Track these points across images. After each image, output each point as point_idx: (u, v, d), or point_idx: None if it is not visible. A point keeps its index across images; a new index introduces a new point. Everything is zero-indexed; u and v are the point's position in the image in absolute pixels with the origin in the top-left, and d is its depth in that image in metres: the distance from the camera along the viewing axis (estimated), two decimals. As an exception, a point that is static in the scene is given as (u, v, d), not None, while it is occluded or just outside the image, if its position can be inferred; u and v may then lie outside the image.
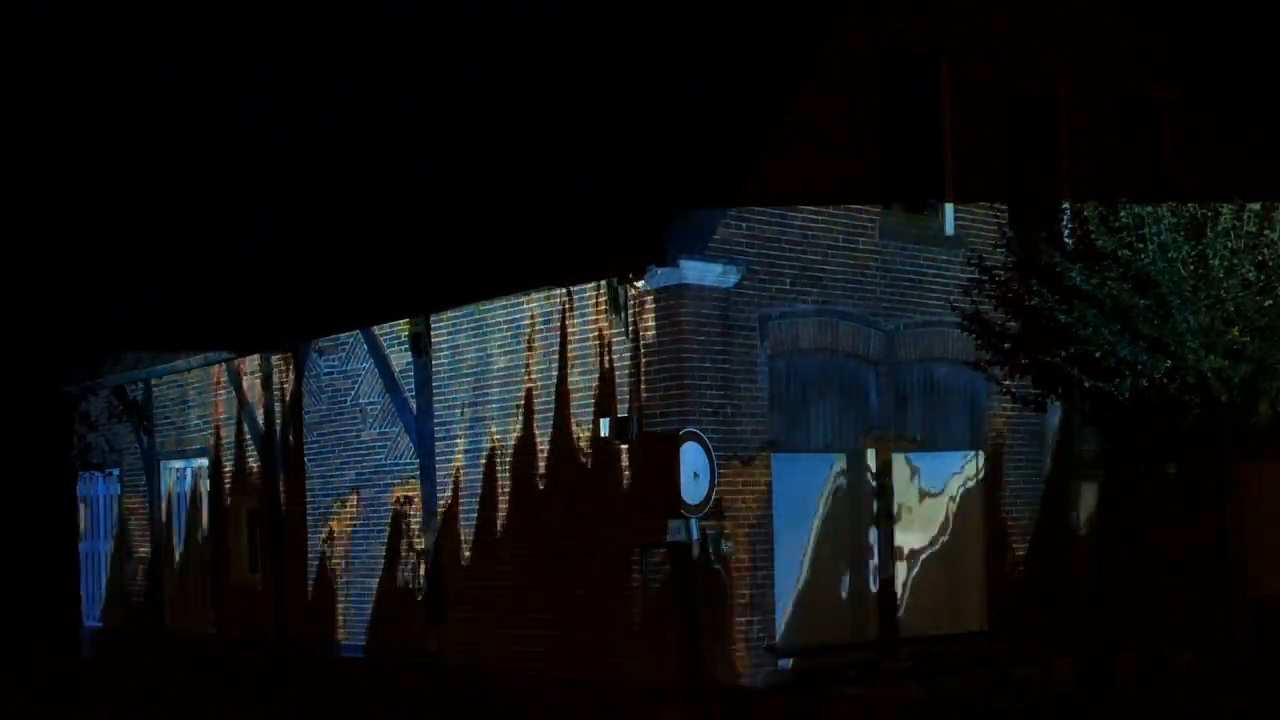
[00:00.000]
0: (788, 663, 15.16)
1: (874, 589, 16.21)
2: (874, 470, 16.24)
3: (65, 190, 23.07)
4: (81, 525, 25.99)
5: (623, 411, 15.07)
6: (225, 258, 22.15)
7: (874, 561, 16.22)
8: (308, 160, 21.69)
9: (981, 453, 17.18)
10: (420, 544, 17.65)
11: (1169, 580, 18.57)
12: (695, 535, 14.18)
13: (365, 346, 18.34)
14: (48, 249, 23.48)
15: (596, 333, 15.47)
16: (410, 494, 17.85)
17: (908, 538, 16.62)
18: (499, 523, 16.67)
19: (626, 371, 15.11)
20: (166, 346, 22.19)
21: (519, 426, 16.39)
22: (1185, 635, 18.23)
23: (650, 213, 14.77)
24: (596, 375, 15.47)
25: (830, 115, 15.80)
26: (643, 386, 14.95)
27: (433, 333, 17.51)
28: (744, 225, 15.22)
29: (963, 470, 17.12)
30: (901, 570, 16.47)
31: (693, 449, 14.15)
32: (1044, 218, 17.65)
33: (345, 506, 18.97)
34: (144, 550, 23.83)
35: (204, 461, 22.25)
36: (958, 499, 17.07)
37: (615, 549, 15.08)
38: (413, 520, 17.82)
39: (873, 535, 16.23)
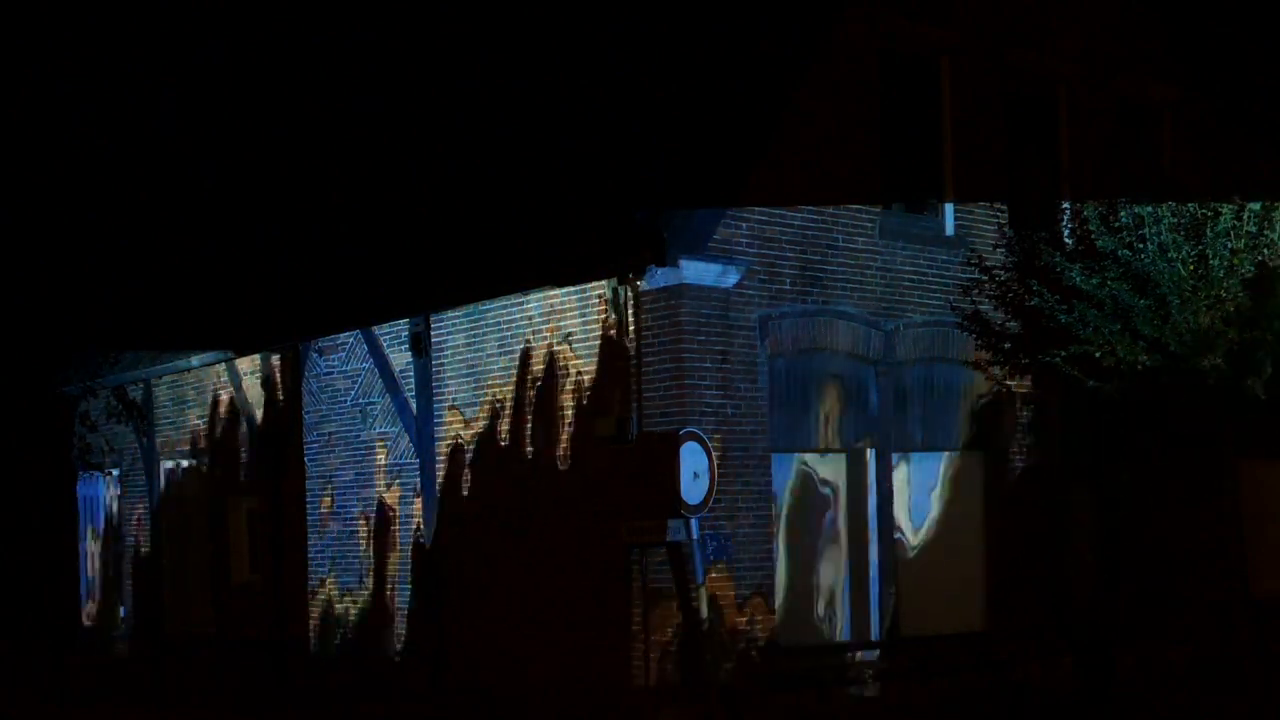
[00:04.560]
0: (787, 663, 15.15)
1: (874, 589, 16.21)
2: (874, 470, 16.24)
3: (65, 190, 23.04)
4: (81, 525, 25.99)
5: (622, 411, 15.06)
6: (225, 258, 22.14)
7: (874, 561, 16.21)
8: (308, 160, 21.67)
9: (981, 453, 17.17)
10: (420, 544, 17.65)
11: (1168, 579, 18.57)
12: (695, 535, 14.19)
13: (365, 346, 18.34)
14: (47, 249, 23.44)
15: (596, 333, 15.47)
16: (410, 494, 17.85)
17: (907, 538, 16.63)
18: (499, 522, 16.66)
19: (626, 371, 15.11)
20: (166, 346, 22.20)
21: (519, 426, 16.39)
22: (1185, 635, 18.23)
23: (650, 213, 14.76)
24: (596, 375, 15.46)
25: (830, 115, 15.80)
26: (643, 386, 14.95)
27: (433, 333, 17.51)
28: (744, 225, 15.21)
29: (962, 470, 17.12)
30: (901, 570, 16.46)
31: (693, 449, 14.16)
32: (1044, 218, 17.65)
33: (345, 506, 18.97)
34: (144, 550, 23.83)
35: (204, 461, 22.24)
36: (958, 499, 17.07)
37: (615, 549, 15.07)
38: (413, 520, 17.82)
39: (872, 535, 16.22)
